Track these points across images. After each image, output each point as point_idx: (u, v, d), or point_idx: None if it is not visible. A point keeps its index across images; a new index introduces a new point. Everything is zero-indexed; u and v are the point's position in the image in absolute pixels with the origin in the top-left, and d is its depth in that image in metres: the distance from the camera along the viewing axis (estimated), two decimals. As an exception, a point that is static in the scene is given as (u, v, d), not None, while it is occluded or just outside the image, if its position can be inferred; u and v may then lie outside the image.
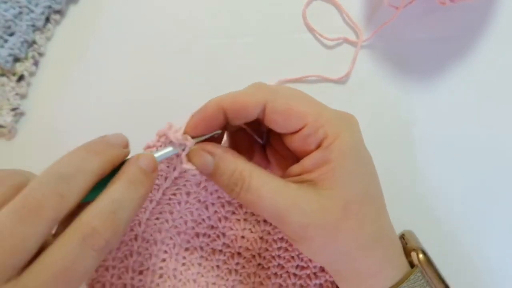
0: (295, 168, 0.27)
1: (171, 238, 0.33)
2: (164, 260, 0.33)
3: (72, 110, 0.39)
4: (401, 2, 0.38)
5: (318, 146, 0.26)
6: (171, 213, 0.32)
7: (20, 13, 0.39)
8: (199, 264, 0.34)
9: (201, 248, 0.34)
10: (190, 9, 0.41)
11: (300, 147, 0.27)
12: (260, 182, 0.26)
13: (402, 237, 0.31)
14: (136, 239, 0.33)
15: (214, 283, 0.34)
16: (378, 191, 0.28)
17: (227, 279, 0.34)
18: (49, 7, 0.39)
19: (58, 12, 0.40)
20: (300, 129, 0.26)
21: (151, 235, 0.33)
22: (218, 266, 0.34)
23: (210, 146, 0.27)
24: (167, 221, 0.32)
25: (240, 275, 0.34)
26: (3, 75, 0.38)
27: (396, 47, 0.40)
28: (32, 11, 0.39)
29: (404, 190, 0.38)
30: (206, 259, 0.34)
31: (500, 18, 0.40)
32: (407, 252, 0.29)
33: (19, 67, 0.38)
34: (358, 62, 0.39)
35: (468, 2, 0.38)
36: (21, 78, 0.38)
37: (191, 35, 0.40)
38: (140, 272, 0.33)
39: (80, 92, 0.39)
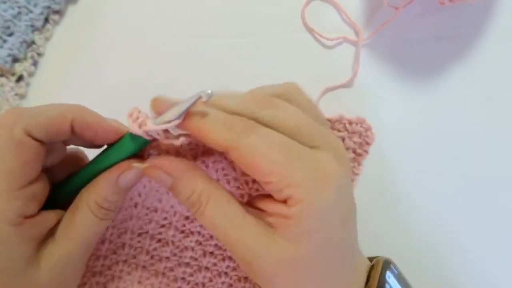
0: (259, 203, 0.27)
1: (171, 206, 0.33)
2: (163, 226, 0.33)
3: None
4: (400, 2, 0.38)
5: (284, 201, 0.25)
6: None
7: (19, 13, 0.39)
8: (198, 233, 0.33)
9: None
10: (190, 9, 0.41)
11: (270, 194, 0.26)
12: (215, 210, 0.25)
13: (372, 268, 0.29)
14: (136, 206, 0.33)
15: (211, 253, 0.34)
16: (340, 251, 0.26)
17: (225, 249, 0.34)
18: (48, 7, 0.39)
19: (57, 12, 0.40)
20: (264, 183, 0.25)
21: (152, 203, 0.33)
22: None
23: (169, 164, 0.26)
24: (167, 192, 0.32)
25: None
26: (2, 75, 0.38)
27: (395, 47, 0.40)
28: (31, 11, 0.39)
29: (409, 189, 0.38)
30: (206, 228, 0.34)
31: (500, 18, 0.40)
32: None
33: (18, 68, 0.38)
34: (356, 61, 0.40)
35: (467, 2, 0.38)
36: (20, 78, 0.38)
37: (191, 35, 0.40)
38: (139, 235, 0.33)
39: (80, 92, 0.39)
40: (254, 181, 0.31)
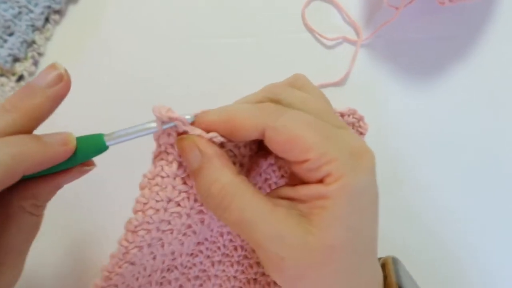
0: (289, 191, 0.25)
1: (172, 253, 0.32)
2: (168, 269, 0.33)
3: (72, 110, 0.39)
4: (400, 2, 0.38)
5: (319, 181, 0.24)
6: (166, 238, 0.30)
7: (20, 13, 0.39)
8: (206, 249, 0.33)
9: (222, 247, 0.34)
10: (190, 9, 0.41)
11: (301, 175, 0.25)
12: (242, 204, 0.24)
13: (383, 266, 0.28)
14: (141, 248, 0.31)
15: (219, 261, 0.33)
16: (368, 239, 0.25)
17: (232, 256, 0.33)
18: (49, 7, 0.39)
19: (58, 12, 0.40)
20: (301, 162, 0.24)
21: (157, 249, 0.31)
22: (224, 245, 0.34)
23: (204, 143, 0.25)
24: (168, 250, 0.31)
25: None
26: (2, 75, 0.38)
27: (395, 47, 0.40)
28: (31, 11, 0.39)
29: (405, 190, 0.38)
30: (214, 250, 0.34)
31: (499, 18, 0.40)
32: None
33: (19, 67, 0.38)
34: (357, 62, 0.40)
35: (467, 2, 0.38)
36: (20, 78, 0.38)
37: (191, 35, 0.40)
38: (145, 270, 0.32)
39: (80, 92, 0.39)
40: (279, 168, 0.29)
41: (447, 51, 0.40)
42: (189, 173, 0.26)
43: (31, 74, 0.39)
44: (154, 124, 0.25)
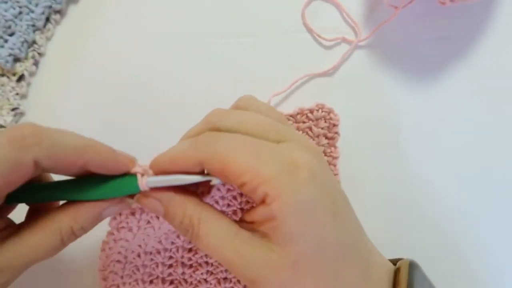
0: (246, 216, 0.26)
1: (172, 243, 0.33)
2: (171, 266, 0.33)
3: (72, 110, 0.39)
4: (400, 2, 0.38)
5: (262, 201, 0.24)
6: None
7: (20, 13, 0.39)
8: (206, 263, 0.34)
9: None
10: (190, 9, 0.41)
11: (249, 198, 0.26)
12: (207, 230, 0.25)
13: (398, 271, 0.27)
14: (139, 256, 0.33)
15: (225, 278, 0.34)
16: (339, 245, 0.25)
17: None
18: (49, 7, 0.39)
19: (58, 12, 0.40)
20: (240, 186, 0.24)
21: (153, 246, 0.33)
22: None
23: (158, 191, 0.26)
24: (164, 232, 0.32)
25: None
26: (3, 75, 0.38)
27: (396, 47, 0.40)
28: (32, 11, 0.39)
29: (399, 194, 0.38)
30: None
31: (500, 18, 0.40)
32: None
33: (19, 67, 0.38)
34: (357, 62, 0.40)
35: (468, 2, 0.38)
36: (21, 78, 0.38)
37: (191, 35, 0.40)
38: (151, 282, 0.33)
39: (80, 92, 0.39)
40: (241, 194, 0.31)
41: (447, 51, 0.40)
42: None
43: (31, 74, 0.39)
44: (186, 178, 0.26)
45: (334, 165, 0.37)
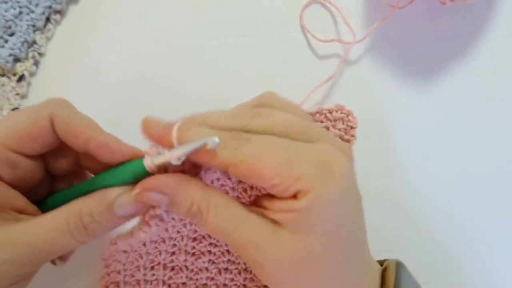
0: (263, 201, 0.26)
1: (178, 232, 0.33)
2: (173, 253, 0.33)
3: (72, 110, 0.39)
4: (399, 2, 0.38)
5: (293, 197, 0.24)
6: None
7: (20, 13, 0.39)
8: (209, 252, 0.34)
9: (209, 235, 0.34)
10: (189, 9, 0.41)
11: (276, 196, 0.25)
12: (217, 215, 0.25)
13: (385, 270, 0.28)
14: (144, 245, 0.32)
15: (226, 269, 0.34)
16: (350, 244, 0.26)
17: (239, 262, 0.34)
18: (50, 7, 0.39)
19: (59, 12, 0.40)
20: (269, 187, 0.24)
21: (159, 235, 0.33)
22: (228, 251, 0.34)
23: (159, 183, 0.25)
24: (173, 218, 0.32)
25: None
26: (3, 75, 0.38)
27: (396, 47, 0.40)
28: (32, 11, 0.39)
29: (404, 190, 0.38)
30: (216, 246, 0.34)
31: (500, 18, 0.40)
32: None
33: (20, 67, 0.38)
34: (357, 62, 0.40)
35: (468, 2, 0.38)
36: (21, 78, 0.39)
37: (190, 35, 0.40)
38: (152, 268, 0.33)
39: (80, 92, 0.39)
40: (252, 187, 0.31)
41: (447, 51, 0.40)
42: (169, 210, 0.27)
43: (32, 74, 0.39)
44: (189, 147, 0.25)
45: None
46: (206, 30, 0.40)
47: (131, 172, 0.26)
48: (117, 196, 0.26)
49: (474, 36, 0.40)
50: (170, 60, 0.40)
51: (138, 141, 0.37)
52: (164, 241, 0.33)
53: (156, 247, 0.33)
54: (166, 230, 0.32)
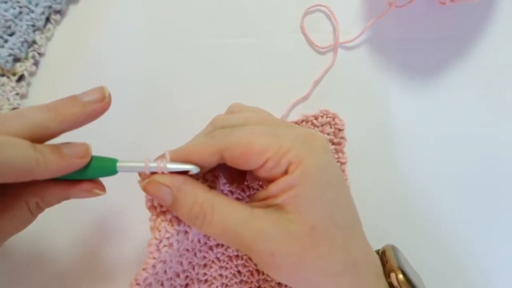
0: (261, 193, 0.27)
1: (189, 263, 0.33)
2: (187, 285, 0.33)
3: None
4: (398, 1, 0.38)
5: (284, 173, 0.25)
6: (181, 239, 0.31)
7: (20, 13, 0.39)
8: (220, 276, 0.34)
9: (218, 259, 0.34)
10: (189, 9, 0.41)
11: (267, 177, 0.26)
12: (223, 215, 0.26)
13: (384, 253, 0.30)
14: (162, 285, 0.32)
15: (237, 256, 0.34)
16: (348, 213, 0.27)
17: (252, 281, 0.34)
18: (49, 7, 0.39)
19: (58, 12, 0.40)
20: (263, 164, 0.25)
21: (174, 271, 0.32)
22: (239, 272, 0.34)
23: (167, 178, 0.26)
24: (177, 249, 0.32)
25: (263, 273, 0.34)
26: (3, 75, 0.38)
27: (396, 47, 0.40)
28: (32, 11, 0.39)
29: (403, 190, 0.38)
30: (226, 268, 0.34)
31: (500, 18, 0.40)
32: (386, 273, 0.28)
33: (19, 67, 0.38)
34: (356, 62, 0.40)
35: (468, 2, 0.38)
36: (21, 78, 0.38)
37: (190, 35, 0.40)
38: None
39: (80, 92, 0.39)
40: (248, 187, 0.31)
41: (447, 51, 0.40)
42: (168, 209, 0.28)
43: (31, 74, 0.39)
44: (164, 166, 0.26)
45: (343, 171, 0.37)
46: (206, 30, 0.40)
47: (100, 173, 0.27)
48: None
49: (474, 36, 0.40)
50: (170, 59, 0.40)
51: (137, 139, 0.38)
52: (178, 276, 0.32)
53: (171, 284, 0.32)
54: (181, 263, 0.32)
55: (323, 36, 0.40)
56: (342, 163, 0.37)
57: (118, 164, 0.27)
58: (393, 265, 0.28)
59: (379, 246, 0.31)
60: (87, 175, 0.27)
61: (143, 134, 0.38)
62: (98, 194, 0.28)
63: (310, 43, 0.40)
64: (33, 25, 0.39)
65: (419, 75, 0.40)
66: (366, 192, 0.37)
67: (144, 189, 0.27)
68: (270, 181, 0.26)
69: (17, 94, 0.38)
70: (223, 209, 0.26)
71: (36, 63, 0.39)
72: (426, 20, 0.40)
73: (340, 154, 0.37)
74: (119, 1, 0.41)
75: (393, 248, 0.30)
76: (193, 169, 0.26)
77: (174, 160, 0.26)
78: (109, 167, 0.27)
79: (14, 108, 0.38)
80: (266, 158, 0.25)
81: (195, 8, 0.41)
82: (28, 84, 0.39)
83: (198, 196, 0.26)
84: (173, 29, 0.40)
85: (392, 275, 0.28)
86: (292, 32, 0.40)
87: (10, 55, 0.38)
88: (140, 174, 0.27)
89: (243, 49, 0.40)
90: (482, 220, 0.37)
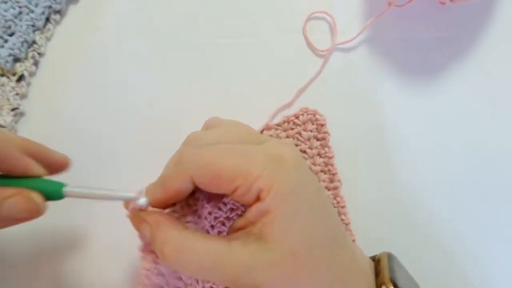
0: (240, 221, 0.26)
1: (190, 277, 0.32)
2: None
3: (73, 110, 0.39)
4: (394, 0, 0.38)
5: (256, 199, 0.25)
6: None
7: (20, 13, 0.39)
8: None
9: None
10: (190, 9, 0.41)
11: (242, 202, 0.26)
12: (198, 254, 0.25)
13: (378, 262, 0.29)
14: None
15: None
16: (328, 224, 0.26)
17: None
18: (49, 7, 0.39)
19: (58, 12, 0.40)
20: (234, 191, 0.25)
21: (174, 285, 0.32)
22: None
23: (149, 214, 0.27)
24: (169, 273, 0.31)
25: None
26: (3, 75, 0.38)
27: (395, 47, 0.40)
28: (32, 11, 0.39)
29: (402, 190, 0.38)
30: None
31: (500, 18, 0.40)
32: (378, 285, 0.27)
33: (19, 67, 0.38)
34: (356, 62, 0.40)
35: (468, 2, 0.38)
36: (21, 78, 0.38)
37: (191, 35, 0.40)
38: None
39: (80, 92, 0.39)
40: (228, 218, 0.31)
41: (447, 51, 0.40)
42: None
43: (31, 74, 0.39)
44: (113, 194, 0.27)
45: (332, 165, 0.37)
46: (206, 30, 0.40)
47: (45, 190, 0.27)
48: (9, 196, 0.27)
49: (473, 36, 0.40)
50: (170, 59, 0.40)
51: (136, 138, 0.38)
52: None
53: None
54: (179, 278, 0.31)
55: (322, 36, 0.40)
56: (330, 157, 0.37)
57: (68, 188, 0.27)
58: (385, 276, 0.27)
59: (374, 251, 0.30)
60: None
61: (143, 133, 0.38)
62: (41, 207, 0.28)
63: (310, 45, 0.40)
64: (33, 25, 0.39)
65: (419, 75, 0.40)
66: (364, 191, 0.37)
67: (132, 221, 0.27)
68: (246, 204, 0.26)
69: (17, 94, 0.38)
70: (197, 249, 0.25)
71: (36, 63, 0.39)
72: (425, 20, 0.40)
73: (326, 149, 0.37)
74: (119, 1, 0.41)
75: (389, 256, 0.29)
76: (143, 201, 0.26)
77: (154, 195, 0.27)
78: (55, 191, 0.27)
79: (14, 108, 0.38)
80: (236, 186, 0.24)
81: (195, 8, 0.41)
82: (28, 84, 0.39)
83: (172, 236, 0.25)
84: (173, 29, 0.40)
85: None
86: (293, 32, 0.40)
87: (10, 55, 0.38)
88: (125, 205, 0.28)
89: (244, 49, 0.40)
90: (479, 223, 0.37)
